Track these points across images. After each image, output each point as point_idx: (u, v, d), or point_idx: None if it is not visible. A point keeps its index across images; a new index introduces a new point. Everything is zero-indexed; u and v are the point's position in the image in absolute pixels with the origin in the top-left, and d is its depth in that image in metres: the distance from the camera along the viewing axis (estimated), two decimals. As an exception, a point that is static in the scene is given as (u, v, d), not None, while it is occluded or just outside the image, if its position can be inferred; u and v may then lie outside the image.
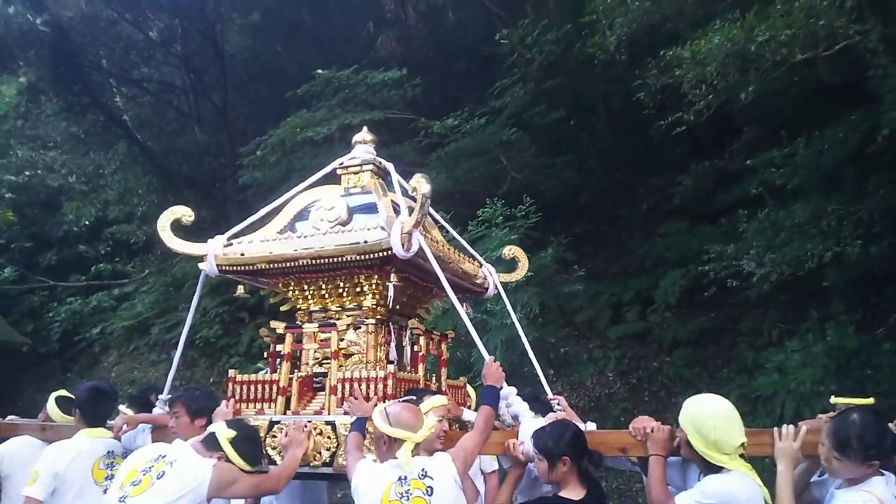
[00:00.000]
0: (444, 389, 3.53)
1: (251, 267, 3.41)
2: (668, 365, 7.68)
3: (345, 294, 3.44)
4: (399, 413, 2.78)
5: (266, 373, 3.43)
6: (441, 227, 3.98)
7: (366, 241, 3.13)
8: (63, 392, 4.02)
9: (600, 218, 9.43)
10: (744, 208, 7.04)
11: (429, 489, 2.68)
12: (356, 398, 3.08)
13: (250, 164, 10.39)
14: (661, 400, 7.40)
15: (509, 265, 4.38)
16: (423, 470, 2.72)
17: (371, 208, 3.40)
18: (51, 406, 3.92)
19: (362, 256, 3.15)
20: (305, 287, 3.52)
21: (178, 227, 3.56)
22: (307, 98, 10.24)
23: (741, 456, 2.59)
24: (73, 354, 14.37)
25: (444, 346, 3.74)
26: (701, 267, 6.70)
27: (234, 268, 3.46)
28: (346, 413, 3.08)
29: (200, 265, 3.52)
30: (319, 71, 9.81)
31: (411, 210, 3.12)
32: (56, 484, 3.37)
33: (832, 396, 3.15)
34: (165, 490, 2.66)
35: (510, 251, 4.31)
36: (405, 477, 2.70)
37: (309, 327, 3.35)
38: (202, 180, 14.61)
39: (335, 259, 3.20)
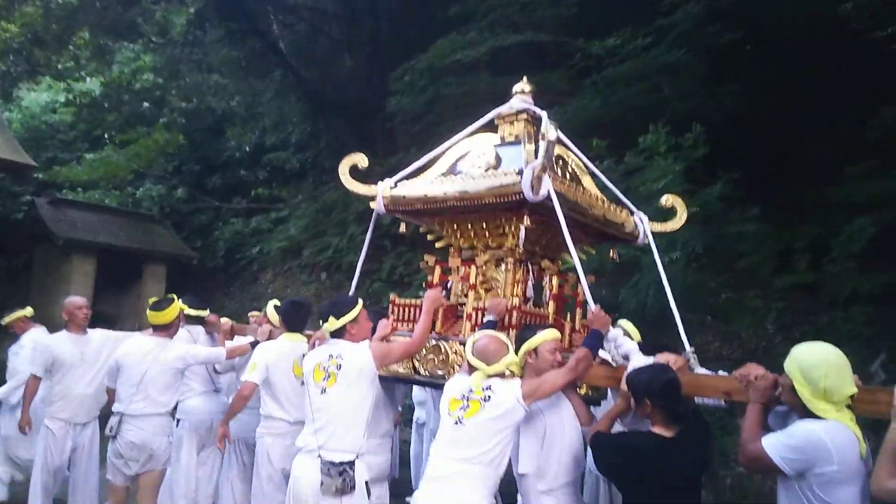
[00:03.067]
0: (566, 325, 3.76)
1: (411, 207, 3.91)
2: (841, 321, 6.85)
3: (488, 234, 3.80)
4: (482, 344, 3.18)
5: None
6: (594, 175, 4.14)
7: (502, 185, 3.44)
8: (276, 301, 5.27)
9: (774, 155, 8.41)
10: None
11: (486, 397, 3.10)
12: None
13: (398, 91, 10.29)
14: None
15: (666, 213, 4.38)
16: (488, 386, 3.14)
17: (518, 156, 3.65)
18: (270, 312, 5.13)
19: (500, 199, 3.47)
20: (456, 226, 3.96)
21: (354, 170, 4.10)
22: (457, 21, 9.93)
23: (848, 407, 2.59)
24: (236, 271, 15.42)
25: (579, 289, 3.87)
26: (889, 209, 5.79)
27: (398, 207, 3.97)
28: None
29: (371, 204, 4.04)
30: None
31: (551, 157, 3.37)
32: (267, 374, 4.30)
33: None
34: (347, 375, 3.43)
35: (668, 200, 4.29)
36: (472, 389, 3.16)
37: (454, 261, 3.84)
38: (352, 108, 14.81)
39: (478, 201, 3.55)
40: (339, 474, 3.36)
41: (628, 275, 6.35)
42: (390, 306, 4.00)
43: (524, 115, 3.86)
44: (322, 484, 3.34)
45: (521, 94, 3.93)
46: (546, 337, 3.31)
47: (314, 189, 15.33)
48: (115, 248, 13.24)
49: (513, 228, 3.64)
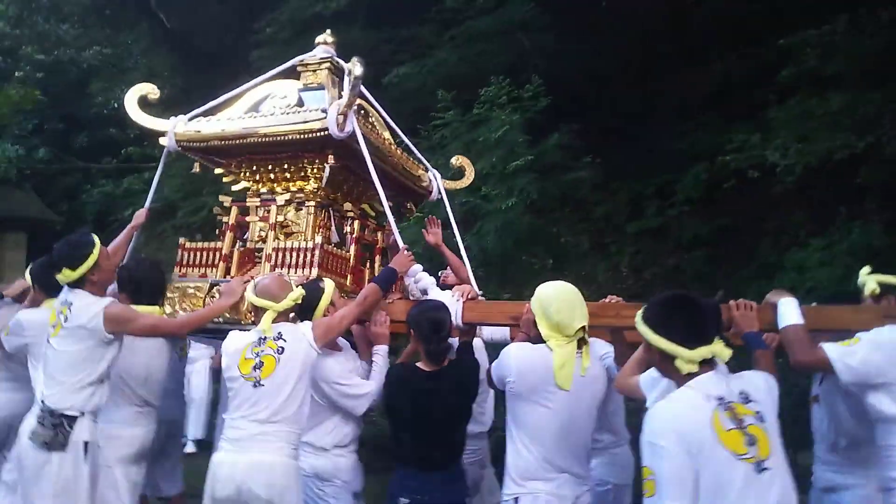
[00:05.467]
0: (365, 271, 3.96)
1: (206, 144, 3.87)
2: (685, 262, 7.51)
3: (290, 176, 3.90)
4: (265, 284, 3.16)
5: None
6: (391, 129, 4.31)
7: (306, 122, 3.49)
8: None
9: (629, 111, 8.95)
10: (780, 99, 6.61)
11: (280, 349, 3.06)
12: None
13: (262, 43, 10.13)
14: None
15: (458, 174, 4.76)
16: (279, 333, 3.10)
17: (321, 100, 3.76)
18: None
19: (303, 136, 3.51)
20: (255, 167, 3.93)
21: (147, 104, 4.13)
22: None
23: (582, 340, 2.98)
24: (108, 235, 14.80)
25: (379, 235, 4.12)
26: (722, 157, 6.40)
27: (192, 144, 3.89)
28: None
29: (161, 140, 3.99)
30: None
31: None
32: None
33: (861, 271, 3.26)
34: (70, 326, 3.22)
35: (458, 160, 4.64)
36: (264, 339, 3.09)
37: (252, 202, 3.83)
38: (224, 59, 14.39)
39: (279, 138, 3.58)
40: (54, 426, 3.17)
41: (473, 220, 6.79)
42: (179, 251, 3.93)
43: (327, 64, 3.96)
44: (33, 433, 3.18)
45: (324, 45, 4.04)
46: (332, 286, 3.40)
47: (188, 147, 14.93)
48: (-36, 215, 12.53)
49: (315, 171, 3.73)
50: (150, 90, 4.06)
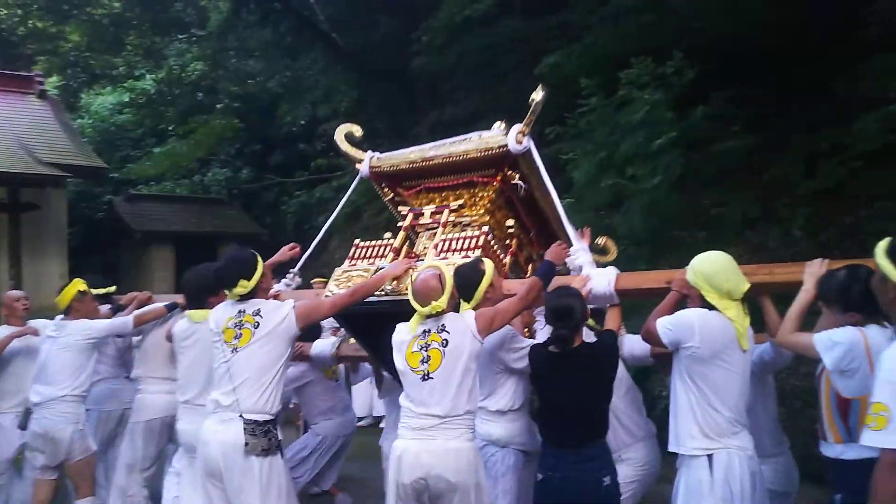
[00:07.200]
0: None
1: (395, 168, 4.56)
2: (864, 220, 7.20)
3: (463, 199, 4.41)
4: (417, 288, 3.30)
5: None
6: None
7: (486, 142, 4.11)
8: None
9: (798, 62, 8.59)
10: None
11: (444, 341, 3.21)
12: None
13: (418, 52, 10.88)
14: (857, 257, 7.07)
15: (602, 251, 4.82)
16: (442, 325, 3.25)
17: None
18: None
19: (484, 153, 4.07)
20: (431, 194, 4.53)
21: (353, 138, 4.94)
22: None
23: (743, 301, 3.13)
24: (306, 241, 16.48)
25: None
26: (890, 107, 6.10)
27: (382, 170, 4.64)
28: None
29: (357, 166, 4.74)
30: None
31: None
32: None
33: None
34: (263, 332, 3.48)
35: (603, 241, 4.77)
36: (428, 330, 3.26)
37: (427, 209, 4.40)
38: (395, 70, 15.52)
39: (462, 157, 4.17)
40: (265, 434, 3.39)
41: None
42: (353, 248, 4.40)
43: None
44: (247, 444, 3.34)
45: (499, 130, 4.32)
46: (492, 267, 3.59)
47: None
48: (189, 234, 14.76)
49: (488, 191, 4.28)
50: (355, 129, 4.79)
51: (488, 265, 3.57)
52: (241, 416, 3.37)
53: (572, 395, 3.24)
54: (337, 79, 16.98)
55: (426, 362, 3.19)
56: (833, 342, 2.81)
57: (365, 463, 6.51)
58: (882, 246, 2.43)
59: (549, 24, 10.54)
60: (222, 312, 3.62)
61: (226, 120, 17.13)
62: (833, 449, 2.91)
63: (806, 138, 8.09)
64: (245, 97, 18.70)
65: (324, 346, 5.06)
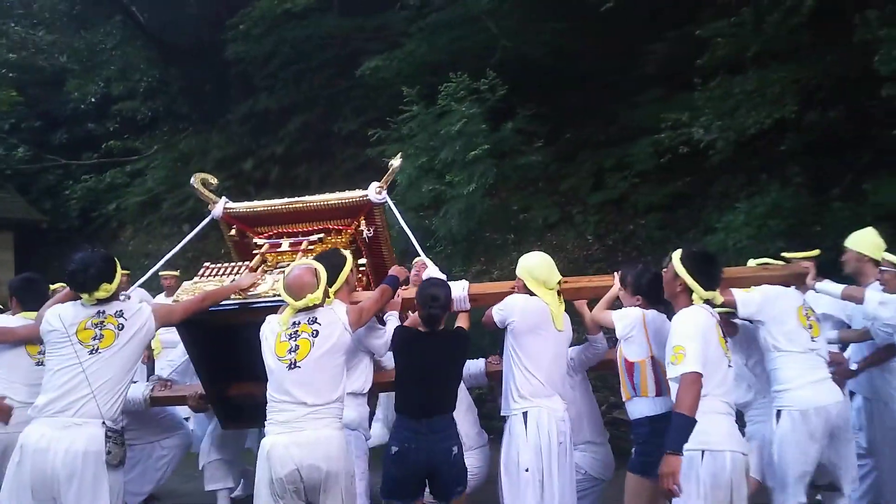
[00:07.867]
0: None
1: (252, 212, 4.65)
2: (641, 228, 8.46)
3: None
4: (289, 282, 3.46)
5: None
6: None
7: (350, 195, 4.57)
8: None
9: (592, 87, 9.80)
10: (710, 77, 7.48)
11: (315, 332, 3.36)
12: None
13: (235, 39, 10.77)
14: (638, 260, 8.24)
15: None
16: (314, 317, 3.42)
17: None
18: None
19: (345, 203, 4.53)
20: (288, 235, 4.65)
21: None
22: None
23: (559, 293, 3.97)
24: (93, 230, 15.37)
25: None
26: (657, 136, 7.37)
27: (238, 214, 4.67)
28: None
29: (210, 207, 4.65)
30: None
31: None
32: None
33: (783, 253, 4.49)
34: (129, 332, 3.48)
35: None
36: (298, 322, 3.41)
37: (285, 242, 4.53)
38: (203, 52, 14.98)
39: (323, 205, 4.55)
40: (121, 445, 3.44)
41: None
42: (203, 269, 4.45)
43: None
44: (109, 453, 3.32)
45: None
46: (351, 257, 3.93)
47: (170, 137, 15.38)
48: (-51, 218, 13.04)
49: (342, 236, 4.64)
50: (211, 177, 4.75)
51: (348, 255, 3.92)
52: (103, 422, 3.29)
53: (432, 369, 3.68)
54: (136, 56, 15.99)
55: (293, 351, 3.30)
56: (622, 315, 3.81)
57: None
58: (678, 252, 3.46)
59: (366, 25, 10.95)
60: (73, 311, 3.50)
61: (1, 91, 15.35)
62: (631, 407, 3.76)
63: (595, 154, 9.33)
64: (25, 67, 16.92)
65: (135, 390, 4.66)
